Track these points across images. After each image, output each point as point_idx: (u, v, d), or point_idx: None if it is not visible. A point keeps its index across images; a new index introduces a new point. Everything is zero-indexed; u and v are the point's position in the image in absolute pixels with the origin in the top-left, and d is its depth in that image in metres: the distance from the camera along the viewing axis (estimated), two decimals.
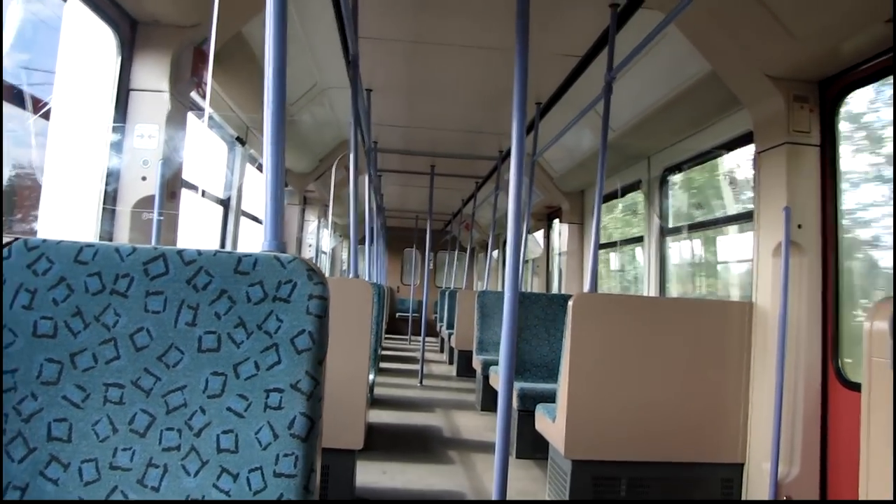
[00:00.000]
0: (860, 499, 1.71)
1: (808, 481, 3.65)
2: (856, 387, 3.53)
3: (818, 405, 3.68)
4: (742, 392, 3.94)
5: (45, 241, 1.36)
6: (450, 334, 11.80)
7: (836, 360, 3.67)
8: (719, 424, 3.93)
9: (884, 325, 1.56)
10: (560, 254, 9.66)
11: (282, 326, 1.34)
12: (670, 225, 6.52)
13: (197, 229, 6.21)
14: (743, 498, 3.91)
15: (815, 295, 3.73)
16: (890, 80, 3.48)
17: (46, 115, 3.31)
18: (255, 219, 7.54)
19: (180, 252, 1.37)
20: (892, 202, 3.62)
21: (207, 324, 1.35)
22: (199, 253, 1.37)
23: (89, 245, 1.36)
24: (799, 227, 3.72)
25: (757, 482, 3.80)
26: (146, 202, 3.80)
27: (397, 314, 19.67)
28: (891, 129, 3.67)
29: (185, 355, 1.34)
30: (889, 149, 3.73)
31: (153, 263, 1.36)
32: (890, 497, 1.51)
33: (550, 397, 4.84)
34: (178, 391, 1.33)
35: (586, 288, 4.36)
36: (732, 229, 5.63)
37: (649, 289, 6.64)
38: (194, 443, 1.31)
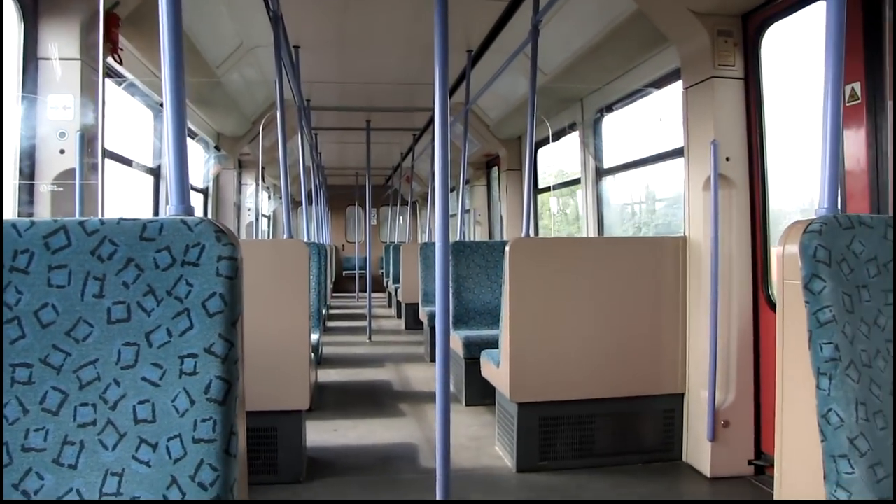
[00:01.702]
0: (776, 413, 1.78)
1: (744, 406, 3.78)
2: None
3: (750, 331, 3.80)
4: (680, 324, 4.04)
5: None
6: (396, 288, 11.82)
7: (766, 287, 3.78)
8: (659, 357, 4.03)
9: (794, 248, 1.59)
10: (500, 201, 9.70)
11: (192, 291, 1.30)
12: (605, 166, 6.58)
13: (128, 200, 6.06)
14: (683, 425, 4.03)
15: (744, 225, 3.81)
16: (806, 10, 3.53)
17: None
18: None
19: (82, 223, 1.31)
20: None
21: (115, 294, 1.30)
22: (102, 222, 1.32)
23: None
24: (727, 159, 3.78)
25: (696, 410, 3.92)
26: (67, 175, 3.67)
27: (344, 272, 19.61)
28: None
29: (95, 328, 1.30)
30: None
31: (54, 236, 1.30)
32: (804, 409, 1.57)
33: (495, 343, 4.89)
34: (89, 365, 1.29)
35: (523, 232, 4.38)
36: (665, 166, 5.69)
37: (588, 230, 6.72)
38: (110, 416, 1.28)
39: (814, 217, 1.65)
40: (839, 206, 1.74)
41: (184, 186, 1.47)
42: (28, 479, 1.25)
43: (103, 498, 1.25)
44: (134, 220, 1.33)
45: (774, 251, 3.76)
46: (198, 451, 1.26)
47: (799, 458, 1.73)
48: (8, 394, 1.27)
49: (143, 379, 1.28)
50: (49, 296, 1.29)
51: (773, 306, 3.73)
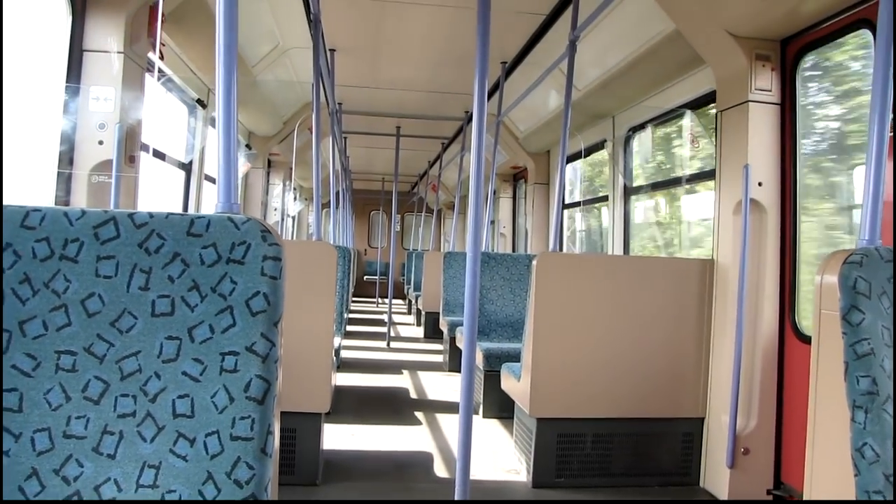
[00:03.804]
0: (808, 444, 1.76)
1: (765, 434, 3.74)
2: (810, 340, 3.60)
3: (775, 359, 3.77)
4: (703, 348, 4.01)
5: None
6: (417, 296, 11.82)
7: (792, 315, 3.75)
8: (681, 380, 4.00)
9: (833, 279, 1.59)
10: (526, 214, 9.69)
11: (236, 288, 1.32)
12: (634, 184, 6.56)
13: (159, 194, 6.12)
14: (702, 450, 4.00)
15: (773, 251, 3.78)
16: (847, 39, 3.51)
17: None
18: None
19: (131, 215, 1.34)
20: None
21: (161, 287, 1.32)
22: (151, 216, 1.34)
23: (36, 209, 1.32)
24: (759, 184, 3.76)
25: (716, 436, 3.89)
26: (104, 166, 3.72)
27: (365, 277, 19.65)
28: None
29: (139, 320, 1.32)
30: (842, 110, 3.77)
31: (103, 227, 1.33)
32: (837, 442, 1.56)
33: (515, 357, 4.88)
34: (132, 357, 1.31)
35: (550, 247, 4.38)
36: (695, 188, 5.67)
37: (613, 247, 6.70)
38: (150, 408, 1.29)
39: (854, 248, 1.64)
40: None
41: (231, 184, 1.49)
42: (68, 465, 1.27)
43: (140, 489, 1.27)
44: (182, 215, 1.35)
45: (802, 278, 3.75)
46: (235, 448, 1.27)
47: (829, 492, 1.71)
48: (52, 380, 1.29)
49: (184, 373, 1.30)
50: (96, 285, 1.32)
51: (799, 335, 3.69)
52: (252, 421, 1.28)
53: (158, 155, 5.46)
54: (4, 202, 1.34)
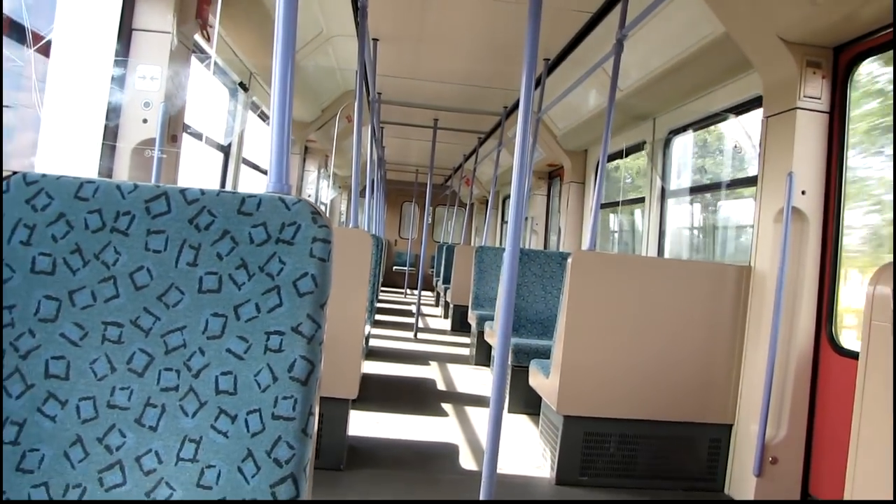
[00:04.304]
0: (850, 458, 1.73)
1: (795, 444, 3.69)
2: (846, 353, 3.55)
3: (809, 370, 3.71)
4: (735, 354, 3.97)
5: (44, 175, 1.34)
6: (446, 289, 11.84)
7: (829, 327, 3.69)
8: (711, 385, 3.96)
9: (886, 290, 1.55)
10: (560, 212, 9.65)
11: (284, 269, 1.33)
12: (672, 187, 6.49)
13: (197, 175, 6.18)
14: (729, 457, 3.96)
15: (813, 261, 3.72)
16: None
17: (46, 52, 3.26)
18: (256, 167, 7.49)
19: (183, 191, 1.35)
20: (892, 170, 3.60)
21: (209, 264, 1.33)
22: (203, 192, 1.35)
23: (90, 181, 1.34)
24: (803, 193, 3.70)
25: (744, 443, 3.84)
26: (147, 144, 3.77)
27: (394, 267, 19.72)
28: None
29: (186, 296, 1.33)
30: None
31: (155, 202, 1.34)
32: (882, 457, 1.53)
33: (544, 353, 4.87)
34: (177, 331, 1.32)
35: (586, 246, 4.36)
36: (735, 194, 5.61)
37: (648, 250, 6.65)
38: (193, 384, 1.31)
39: None
40: None
41: (283, 165, 1.50)
42: (111, 434, 1.29)
43: (180, 462, 1.28)
44: (233, 192, 1.35)
45: (842, 289, 3.69)
46: (276, 427, 1.28)
47: None
48: (98, 350, 1.31)
49: (228, 351, 1.31)
50: (145, 259, 1.33)
51: (835, 347, 3.63)
52: (294, 401, 1.29)
53: (198, 135, 5.52)
54: (57, 172, 1.36)
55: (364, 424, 4.68)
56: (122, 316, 1.32)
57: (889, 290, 1.54)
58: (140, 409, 1.30)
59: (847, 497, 1.74)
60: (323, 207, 13.01)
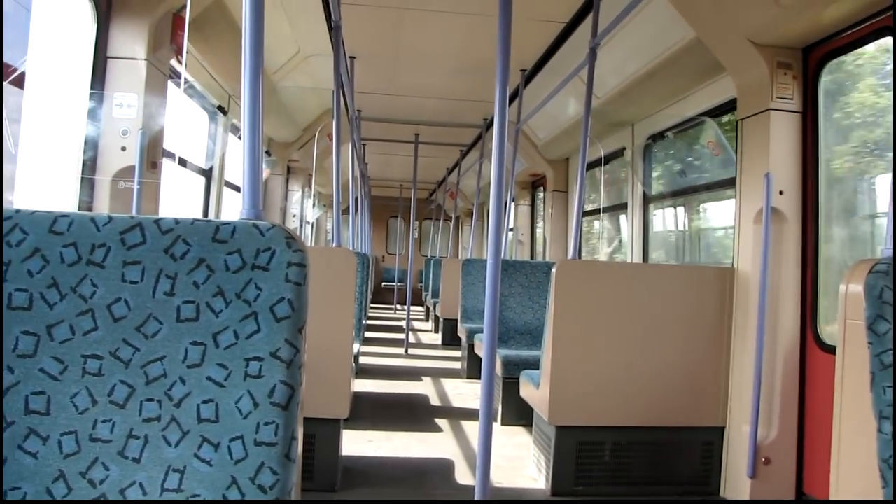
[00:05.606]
0: (832, 455, 1.74)
1: (787, 443, 3.71)
2: (832, 350, 3.57)
3: (797, 368, 3.73)
4: (723, 357, 3.98)
5: (18, 211, 1.34)
6: (435, 303, 11.83)
7: (814, 324, 3.71)
8: (701, 389, 3.97)
9: (858, 288, 1.57)
10: (544, 221, 9.68)
11: (261, 294, 1.33)
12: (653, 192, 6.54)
13: (179, 200, 6.17)
14: (723, 459, 3.97)
15: (794, 260, 3.75)
16: (871, 47, 3.49)
17: (20, 84, 3.25)
18: (238, 189, 7.48)
19: (157, 221, 1.35)
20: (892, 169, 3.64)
21: (186, 293, 1.33)
22: (177, 221, 1.35)
23: (64, 215, 1.34)
24: (780, 193, 3.74)
25: (737, 445, 3.85)
26: (126, 172, 3.76)
27: (383, 283, 19.69)
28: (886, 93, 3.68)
29: (164, 325, 1.33)
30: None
31: (130, 233, 1.34)
32: (862, 453, 1.54)
33: (534, 364, 4.87)
34: (157, 361, 1.32)
35: (569, 255, 4.37)
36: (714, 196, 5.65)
37: (633, 256, 6.67)
38: (174, 413, 1.30)
39: (880, 257, 1.62)
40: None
41: (256, 191, 1.50)
42: (94, 468, 1.29)
43: (165, 492, 1.28)
44: (207, 221, 1.35)
45: (823, 287, 3.72)
46: (259, 453, 1.28)
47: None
48: (79, 384, 1.30)
49: (209, 379, 1.31)
50: (122, 291, 1.33)
51: (821, 345, 3.66)
52: (276, 426, 1.29)
53: (180, 161, 5.51)
54: (32, 207, 1.36)
55: (357, 444, 4.66)
56: (102, 348, 1.32)
57: (860, 289, 1.56)
58: (123, 441, 1.30)
59: (833, 491, 1.75)
60: (308, 227, 13.00)
